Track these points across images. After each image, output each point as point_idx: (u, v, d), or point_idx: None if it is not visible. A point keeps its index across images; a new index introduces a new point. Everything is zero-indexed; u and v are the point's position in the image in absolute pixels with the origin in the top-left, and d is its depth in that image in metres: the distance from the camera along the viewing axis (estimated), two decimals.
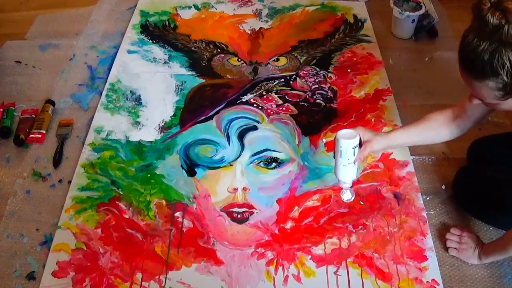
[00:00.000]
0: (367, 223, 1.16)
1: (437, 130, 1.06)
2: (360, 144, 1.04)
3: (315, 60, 1.64)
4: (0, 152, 1.34)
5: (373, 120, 1.41)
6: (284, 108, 1.45)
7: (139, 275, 1.06)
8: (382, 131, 1.37)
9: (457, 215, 1.19)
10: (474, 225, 1.17)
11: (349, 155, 1.03)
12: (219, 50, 1.69)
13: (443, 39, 1.72)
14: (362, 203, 1.19)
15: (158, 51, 1.67)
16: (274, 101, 1.47)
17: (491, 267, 1.08)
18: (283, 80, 1.56)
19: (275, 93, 1.50)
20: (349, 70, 1.59)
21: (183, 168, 1.28)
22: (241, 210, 1.18)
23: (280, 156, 1.31)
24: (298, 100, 1.48)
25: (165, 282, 1.05)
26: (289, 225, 1.15)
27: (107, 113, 1.44)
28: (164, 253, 1.10)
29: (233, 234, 1.14)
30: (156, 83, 1.55)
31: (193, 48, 1.69)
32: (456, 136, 1.07)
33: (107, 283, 1.04)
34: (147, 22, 1.81)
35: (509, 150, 1.14)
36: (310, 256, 1.09)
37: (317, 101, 1.48)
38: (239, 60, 1.64)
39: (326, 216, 1.17)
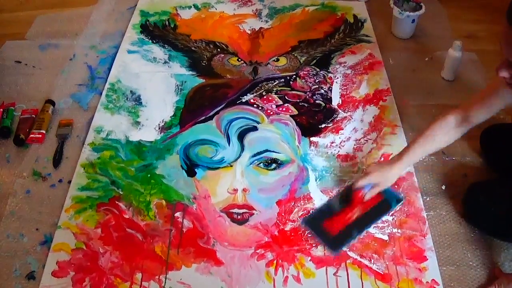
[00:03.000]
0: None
1: (441, 140, 1.10)
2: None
3: (315, 60, 1.64)
4: (0, 152, 1.34)
5: (373, 120, 1.42)
6: (284, 109, 1.45)
7: (139, 275, 1.06)
8: (382, 132, 1.37)
9: (457, 215, 1.19)
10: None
11: None
12: (219, 50, 1.69)
13: (443, 39, 1.72)
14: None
15: (158, 51, 1.67)
16: (274, 102, 1.47)
17: (491, 268, 1.09)
18: (283, 80, 1.56)
19: (275, 94, 1.50)
20: (349, 70, 1.59)
21: (183, 168, 1.28)
22: (241, 211, 1.18)
23: (280, 157, 1.31)
24: (298, 100, 1.48)
25: (165, 282, 1.05)
26: (289, 226, 1.15)
27: (107, 113, 1.44)
28: (164, 253, 1.10)
29: (233, 235, 1.14)
30: (156, 83, 1.55)
31: (193, 48, 1.69)
32: (455, 139, 1.11)
33: (107, 283, 1.05)
34: (147, 22, 1.81)
35: None
36: (309, 257, 1.09)
37: (317, 101, 1.48)
38: (239, 60, 1.64)
39: None
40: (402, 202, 1.17)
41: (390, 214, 1.16)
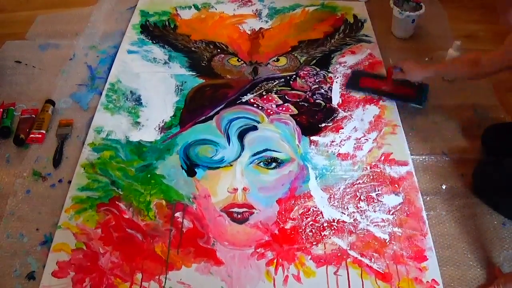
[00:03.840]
0: (367, 223, 1.16)
1: (463, 72, 1.28)
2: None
3: (315, 60, 1.64)
4: (0, 152, 1.34)
5: (373, 119, 1.42)
6: (284, 108, 1.45)
7: (139, 275, 1.06)
8: (382, 132, 1.38)
9: (457, 215, 1.19)
10: (474, 222, 1.17)
11: None
12: (219, 50, 1.69)
13: (443, 39, 1.73)
14: (362, 202, 1.20)
15: (158, 51, 1.67)
16: (274, 101, 1.47)
17: (491, 268, 1.08)
18: (283, 80, 1.56)
19: (275, 93, 1.50)
20: (349, 70, 1.59)
21: (183, 168, 1.28)
22: (241, 210, 1.18)
23: (280, 156, 1.31)
24: (298, 100, 1.48)
25: (165, 282, 1.05)
26: (289, 225, 1.15)
27: (107, 113, 1.44)
28: (164, 253, 1.10)
29: (233, 234, 1.14)
30: (156, 83, 1.55)
31: (193, 49, 1.69)
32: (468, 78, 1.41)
33: (107, 283, 1.05)
34: (147, 22, 1.81)
35: None
36: (310, 256, 1.09)
37: (317, 101, 1.48)
38: (239, 60, 1.64)
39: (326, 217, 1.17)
40: (419, 107, 1.43)
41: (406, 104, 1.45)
